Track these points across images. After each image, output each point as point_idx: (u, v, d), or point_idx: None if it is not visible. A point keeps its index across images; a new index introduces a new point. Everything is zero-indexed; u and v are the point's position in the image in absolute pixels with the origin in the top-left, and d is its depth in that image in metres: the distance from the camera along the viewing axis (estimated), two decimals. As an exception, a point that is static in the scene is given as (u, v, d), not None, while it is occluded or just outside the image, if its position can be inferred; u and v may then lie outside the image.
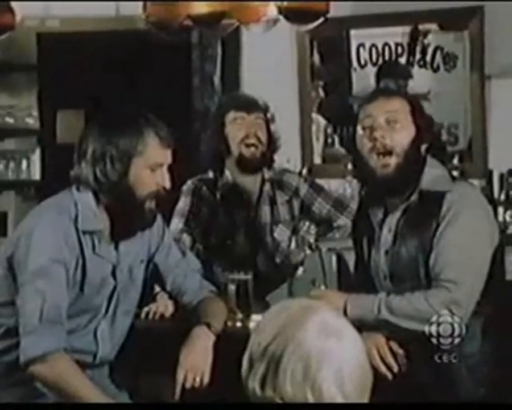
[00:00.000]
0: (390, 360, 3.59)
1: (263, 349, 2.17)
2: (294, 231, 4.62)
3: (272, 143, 4.56)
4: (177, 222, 4.49)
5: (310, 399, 2.12)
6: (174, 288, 3.61)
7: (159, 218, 3.55)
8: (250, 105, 4.51)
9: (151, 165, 3.34)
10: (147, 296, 3.65)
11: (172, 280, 3.59)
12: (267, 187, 4.58)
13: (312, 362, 2.13)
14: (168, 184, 3.38)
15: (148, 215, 3.41)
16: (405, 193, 3.57)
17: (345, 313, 3.62)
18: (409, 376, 3.60)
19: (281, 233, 4.59)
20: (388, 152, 3.54)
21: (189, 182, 4.63)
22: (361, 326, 3.54)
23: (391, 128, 3.53)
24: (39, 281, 3.25)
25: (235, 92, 5.44)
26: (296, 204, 4.61)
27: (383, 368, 3.58)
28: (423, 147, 3.57)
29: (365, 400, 2.21)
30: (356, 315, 3.58)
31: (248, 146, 4.46)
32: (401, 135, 3.54)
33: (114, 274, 3.41)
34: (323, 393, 2.12)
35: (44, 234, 3.32)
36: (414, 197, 3.55)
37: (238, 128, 4.46)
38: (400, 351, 3.59)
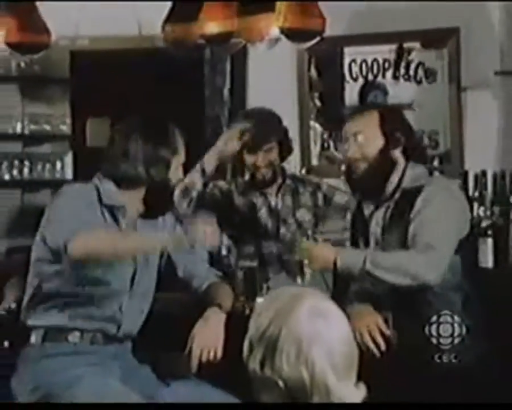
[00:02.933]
0: (379, 339, 3.55)
1: (261, 334, 2.16)
2: (299, 224, 4.49)
3: (284, 155, 4.48)
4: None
5: (305, 375, 2.11)
6: (185, 274, 3.58)
7: (171, 215, 3.57)
8: (265, 138, 4.38)
9: (177, 165, 3.44)
10: (162, 282, 3.57)
11: (183, 268, 3.57)
12: (288, 181, 4.49)
13: (303, 342, 2.12)
14: (182, 176, 3.51)
15: (170, 201, 3.51)
16: (386, 192, 3.59)
17: (335, 265, 3.57)
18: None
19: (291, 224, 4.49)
20: (356, 160, 3.59)
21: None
22: (348, 278, 3.64)
23: (357, 142, 3.59)
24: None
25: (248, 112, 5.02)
26: (320, 195, 4.53)
27: (372, 346, 3.54)
28: (396, 152, 3.58)
29: (353, 373, 2.19)
30: (345, 267, 3.58)
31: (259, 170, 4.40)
32: (367, 145, 3.58)
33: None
34: (316, 369, 2.11)
35: (69, 208, 3.31)
36: (397, 195, 3.56)
37: (250, 158, 4.39)
38: (388, 332, 3.55)
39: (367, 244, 3.70)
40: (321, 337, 2.13)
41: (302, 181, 4.59)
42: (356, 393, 2.18)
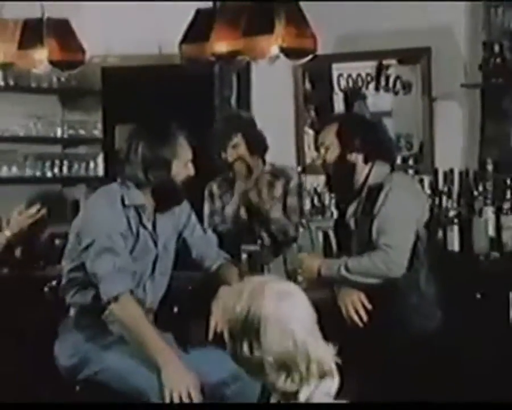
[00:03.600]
0: (361, 311, 3.60)
1: (241, 324, 2.16)
2: (286, 209, 4.48)
3: (256, 150, 4.48)
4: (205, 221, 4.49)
5: (290, 347, 2.12)
6: (197, 256, 3.59)
7: (187, 205, 3.56)
8: (227, 137, 4.42)
9: (184, 163, 3.39)
10: (177, 262, 3.58)
11: (196, 250, 3.58)
12: (267, 177, 4.49)
13: (282, 322, 2.13)
14: (192, 173, 3.41)
15: (180, 196, 3.45)
16: (353, 190, 3.65)
17: (319, 273, 3.67)
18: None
19: (278, 210, 4.48)
20: (323, 166, 3.73)
21: (208, 185, 4.61)
22: (332, 282, 3.65)
23: (321, 151, 3.72)
24: (105, 242, 3.25)
25: (220, 120, 5.10)
26: (291, 186, 4.51)
27: (355, 317, 3.60)
28: (353, 155, 3.63)
29: (319, 334, 2.19)
30: (327, 274, 3.66)
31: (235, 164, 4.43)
32: (328, 153, 3.67)
33: (155, 244, 3.41)
34: (297, 339, 2.13)
35: (99, 211, 3.35)
36: (364, 193, 3.62)
37: (224, 156, 4.43)
38: (369, 305, 3.60)
39: (348, 237, 3.72)
40: (293, 313, 2.15)
41: (276, 174, 4.51)
42: (328, 349, 2.18)
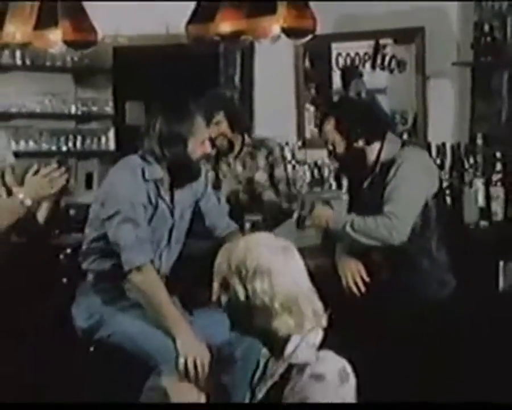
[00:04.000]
0: (359, 282, 3.58)
1: (235, 268, 2.20)
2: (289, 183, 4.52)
3: (237, 127, 4.43)
4: None
5: (295, 290, 2.15)
6: (210, 224, 3.58)
7: (203, 178, 3.54)
8: (210, 114, 4.32)
9: (200, 141, 3.34)
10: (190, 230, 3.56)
11: (209, 219, 3.57)
12: (247, 148, 4.47)
13: (273, 272, 2.16)
14: (209, 150, 3.43)
15: (196, 172, 3.42)
16: (367, 168, 3.58)
17: (327, 224, 3.62)
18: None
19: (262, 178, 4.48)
20: (334, 158, 3.68)
21: None
22: (335, 237, 3.67)
23: (329, 146, 3.64)
24: (129, 212, 3.23)
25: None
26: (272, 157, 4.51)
27: (354, 287, 3.58)
28: (360, 142, 3.56)
29: (315, 294, 2.21)
30: (333, 227, 3.60)
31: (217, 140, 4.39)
32: (336, 148, 3.61)
33: (172, 214, 3.38)
34: (288, 290, 2.16)
35: (123, 182, 3.31)
36: (377, 169, 3.56)
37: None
38: (367, 278, 3.58)
39: (361, 209, 3.64)
40: (285, 267, 2.18)
41: (257, 146, 4.50)
42: (319, 305, 2.20)
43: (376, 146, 3.59)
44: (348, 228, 3.49)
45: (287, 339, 2.16)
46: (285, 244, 2.26)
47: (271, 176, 4.49)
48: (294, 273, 2.20)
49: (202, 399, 2.28)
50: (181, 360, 3.09)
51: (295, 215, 4.01)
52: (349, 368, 2.12)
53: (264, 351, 2.27)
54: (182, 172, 3.38)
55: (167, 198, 3.37)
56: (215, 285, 3.30)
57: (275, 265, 2.18)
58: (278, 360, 2.19)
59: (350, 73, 5.40)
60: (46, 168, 3.49)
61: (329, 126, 3.62)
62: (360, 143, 3.58)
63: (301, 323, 2.16)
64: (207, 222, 3.58)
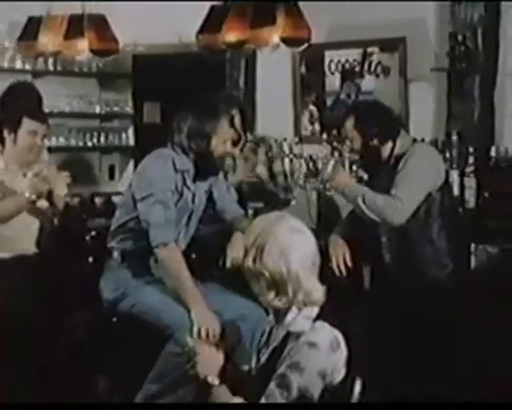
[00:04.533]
0: (342, 266, 3.57)
1: (253, 240, 2.17)
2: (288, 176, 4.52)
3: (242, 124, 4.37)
4: None
5: (284, 270, 2.14)
6: (220, 209, 3.58)
7: (222, 176, 3.60)
8: None
9: (222, 140, 3.35)
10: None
11: (220, 204, 3.57)
12: (249, 144, 4.52)
13: (285, 249, 2.14)
14: (230, 149, 3.42)
15: (216, 168, 3.44)
16: (382, 161, 3.53)
17: (343, 190, 3.56)
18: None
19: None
20: (352, 152, 3.63)
21: None
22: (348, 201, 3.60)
23: (348, 141, 3.60)
24: (160, 195, 3.25)
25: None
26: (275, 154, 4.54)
27: (336, 270, 3.57)
28: (375, 140, 3.51)
29: (316, 272, 2.20)
30: (347, 195, 3.55)
31: None
32: (353, 144, 3.56)
33: (193, 201, 3.42)
34: (292, 269, 2.14)
35: (156, 169, 3.33)
36: (391, 161, 3.53)
37: None
38: (350, 264, 3.57)
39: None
40: (296, 246, 2.15)
41: (258, 143, 4.53)
42: (319, 287, 2.19)
43: (389, 144, 3.54)
44: (359, 199, 3.45)
45: (287, 310, 2.17)
46: (302, 228, 2.21)
47: (270, 169, 4.50)
48: (296, 255, 2.15)
49: (221, 359, 2.29)
50: (195, 329, 3.05)
51: (319, 177, 4.01)
52: (340, 338, 2.12)
53: (270, 318, 2.27)
54: (205, 165, 3.38)
55: (192, 187, 3.39)
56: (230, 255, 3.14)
57: (282, 242, 2.14)
58: (279, 328, 2.20)
59: (342, 77, 5.38)
60: (44, 171, 3.66)
61: (349, 123, 3.57)
62: (375, 141, 3.53)
63: (292, 301, 2.16)
64: (217, 207, 3.56)
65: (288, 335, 2.16)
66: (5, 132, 3.71)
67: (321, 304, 2.17)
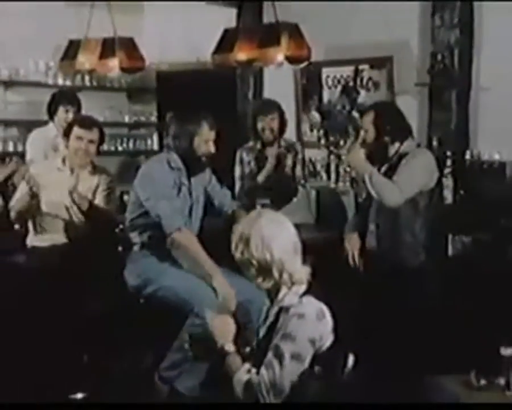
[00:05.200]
0: (356, 259, 3.56)
1: (240, 235, 2.22)
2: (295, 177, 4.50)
3: (282, 128, 4.46)
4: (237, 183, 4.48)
5: (268, 258, 2.17)
6: (219, 204, 3.58)
7: (209, 170, 3.53)
8: (269, 110, 4.41)
9: (204, 140, 3.35)
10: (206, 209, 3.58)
11: (217, 200, 3.59)
12: (282, 149, 4.45)
13: (265, 238, 2.18)
14: (213, 150, 3.39)
15: (203, 165, 3.43)
16: (388, 156, 3.49)
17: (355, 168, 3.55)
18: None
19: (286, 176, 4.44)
20: (363, 144, 3.50)
21: (238, 151, 4.52)
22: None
23: (362, 131, 3.54)
24: (162, 192, 3.27)
25: (263, 99, 5.19)
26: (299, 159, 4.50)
27: (351, 263, 3.57)
28: (386, 138, 3.47)
29: (299, 256, 2.21)
30: (358, 170, 3.54)
31: (265, 132, 4.39)
32: (368, 135, 3.50)
33: (190, 194, 3.42)
34: (274, 254, 2.17)
35: (155, 170, 3.36)
36: (395, 158, 3.49)
37: (261, 123, 4.40)
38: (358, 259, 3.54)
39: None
40: (277, 235, 2.19)
41: (288, 147, 4.47)
42: (304, 269, 2.22)
43: (396, 144, 3.51)
44: (367, 176, 3.40)
45: (278, 290, 2.21)
46: (282, 219, 2.25)
47: (293, 171, 4.47)
48: (278, 243, 2.18)
49: (233, 328, 2.32)
50: (220, 298, 3.06)
51: (338, 150, 3.97)
52: (325, 310, 2.15)
53: (266, 300, 2.31)
54: (191, 162, 3.38)
55: (186, 182, 3.40)
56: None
57: (264, 233, 2.17)
58: (273, 306, 2.24)
59: (348, 90, 5.36)
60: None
61: (369, 117, 3.51)
62: (387, 138, 3.48)
63: (279, 283, 2.18)
64: (216, 203, 3.56)
65: (281, 310, 2.18)
66: (63, 138, 3.89)
67: (306, 283, 2.20)
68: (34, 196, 3.61)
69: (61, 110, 4.60)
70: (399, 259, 3.43)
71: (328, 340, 2.15)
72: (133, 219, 3.42)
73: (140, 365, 3.41)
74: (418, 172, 3.44)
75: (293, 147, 4.52)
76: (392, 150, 3.52)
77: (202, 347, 2.35)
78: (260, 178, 4.41)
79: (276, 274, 2.18)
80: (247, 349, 2.30)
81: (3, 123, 5.51)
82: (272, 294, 2.24)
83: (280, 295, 2.22)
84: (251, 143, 4.53)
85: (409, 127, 3.63)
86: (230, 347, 2.22)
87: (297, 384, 2.10)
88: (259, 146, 4.46)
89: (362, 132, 3.55)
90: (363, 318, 3.16)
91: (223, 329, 2.26)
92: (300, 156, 4.50)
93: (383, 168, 3.52)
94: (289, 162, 4.45)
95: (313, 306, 2.15)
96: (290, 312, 2.15)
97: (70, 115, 4.53)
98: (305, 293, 2.19)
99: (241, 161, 4.51)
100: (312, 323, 2.12)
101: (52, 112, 4.67)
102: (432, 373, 2.41)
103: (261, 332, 2.27)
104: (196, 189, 3.47)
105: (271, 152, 4.43)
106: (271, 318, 2.23)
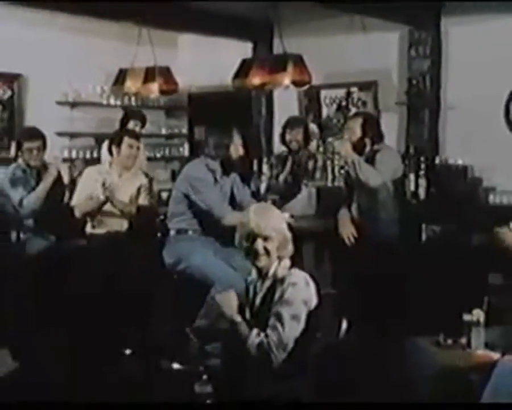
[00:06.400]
0: (351, 238, 3.55)
1: (241, 224, 2.25)
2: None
3: (306, 140, 4.39)
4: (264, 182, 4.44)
5: (269, 235, 2.17)
6: (239, 200, 3.57)
7: (237, 175, 3.59)
8: (295, 125, 4.36)
9: (236, 146, 3.41)
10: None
11: (238, 197, 3.59)
12: (304, 157, 4.36)
13: (261, 225, 2.19)
14: (242, 153, 3.48)
15: (235, 166, 3.50)
16: (365, 152, 3.56)
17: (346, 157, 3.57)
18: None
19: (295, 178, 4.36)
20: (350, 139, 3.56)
21: (270, 159, 4.49)
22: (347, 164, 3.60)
23: (349, 130, 3.60)
24: (211, 187, 3.30)
25: (292, 116, 4.88)
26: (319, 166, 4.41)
27: (347, 241, 3.57)
28: (366, 140, 3.57)
29: (289, 246, 2.20)
30: (346, 158, 3.59)
31: (291, 142, 4.35)
32: (352, 137, 3.57)
33: (221, 190, 3.45)
34: (271, 235, 2.18)
35: (200, 172, 3.40)
36: (370, 153, 3.57)
37: (288, 136, 4.37)
38: (356, 235, 3.54)
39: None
40: (267, 221, 2.21)
41: (309, 156, 4.38)
42: (290, 246, 2.21)
43: (370, 144, 3.60)
44: (356, 162, 3.47)
45: (269, 267, 2.20)
46: (270, 207, 2.30)
47: (304, 174, 4.41)
48: (273, 224, 2.20)
49: (236, 302, 2.26)
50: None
51: (329, 139, 4.04)
52: (308, 277, 2.19)
53: (254, 276, 2.28)
54: (227, 165, 3.45)
55: (220, 181, 3.43)
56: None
57: (257, 221, 2.19)
58: (264, 281, 2.22)
59: (342, 108, 5.34)
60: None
61: (357, 122, 3.60)
62: (366, 139, 3.57)
63: (270, 260, 2.19)
64: (237, 199, 3.57)
65: (275, 283, 2.19)
66: (113, 147, 3.95)
67: (290, 256, 2.21)
68: (105, 202, 3.68)
69: (131, 123, 4.79)
70: (378, 230, 3.48)
71: (314, 301, 2.17)
72: (173, 211, 3.45)
73: (176, 326, 3.43)
74: (390, 160, 3.57)
75: (313, 156, 4.47)
76: (368, 146, 3.61)
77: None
78: (281, 178, 4.39)
79: (274, 251, 2.18)
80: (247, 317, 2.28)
81: (70, 135, 5.60)
82: (263, 271, 2.22)
83: (271, 270, 2.21)
84: (280, 151, 4.54)
85: (383, 134, 3.69)
86: (237, 317, 2.21)
87: (303, 345, 2.10)
88: (285, 153, 4.45)
89: (347, 132, 3.63)
90: (352, 285, 3.12)
91: (229, 304, 2.24)
92: (320, 163, 4.42)
93: (364, 158, 3.59)
94: (309, 167, 4.40)
95: (301, 274, 2.18)
96: (285, 282, 2.16)
97: (137, 128, 4.72)
98: (291, 266, 2.21)
99: (271, 165, 4.50)
100: (303, 288, 2.15)
101: (124, 124, 4.79)
102: (410, 335, 2.40)
103: (257, 301, 2.25)
104: (225, 186, 3.50)
105: (295, 158, 4.40)
106: (264, 290, 2.22)
